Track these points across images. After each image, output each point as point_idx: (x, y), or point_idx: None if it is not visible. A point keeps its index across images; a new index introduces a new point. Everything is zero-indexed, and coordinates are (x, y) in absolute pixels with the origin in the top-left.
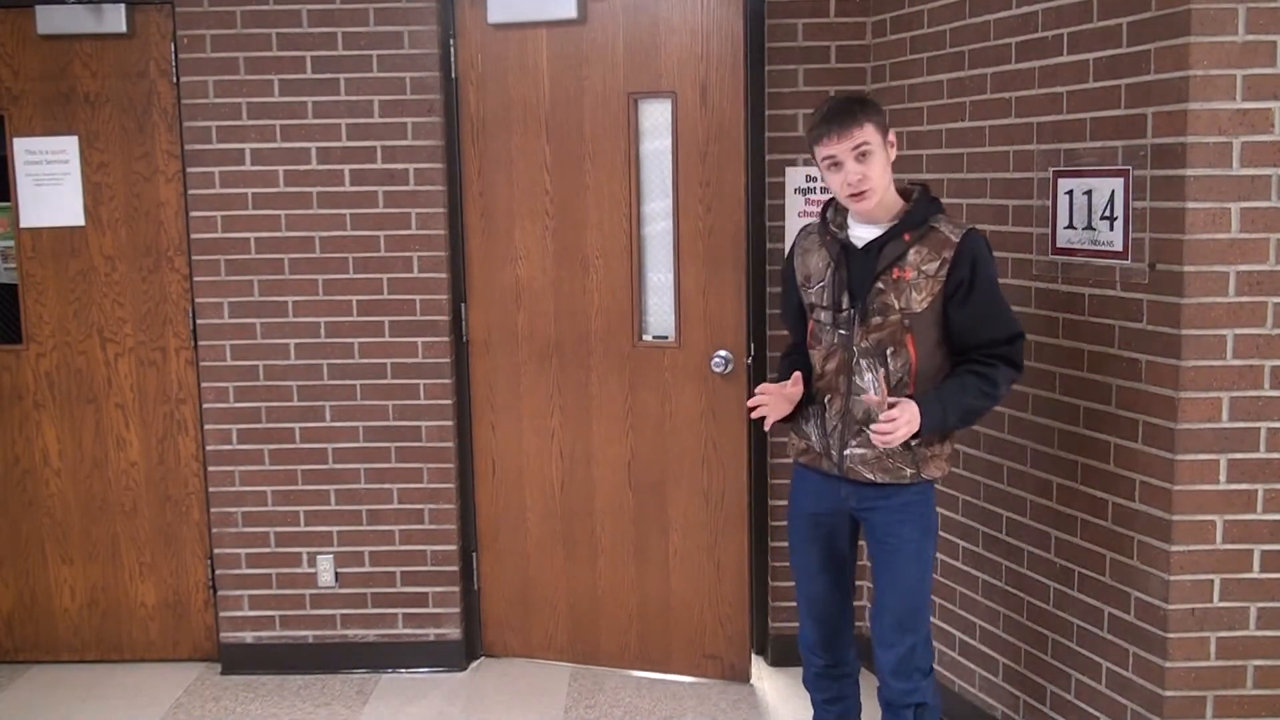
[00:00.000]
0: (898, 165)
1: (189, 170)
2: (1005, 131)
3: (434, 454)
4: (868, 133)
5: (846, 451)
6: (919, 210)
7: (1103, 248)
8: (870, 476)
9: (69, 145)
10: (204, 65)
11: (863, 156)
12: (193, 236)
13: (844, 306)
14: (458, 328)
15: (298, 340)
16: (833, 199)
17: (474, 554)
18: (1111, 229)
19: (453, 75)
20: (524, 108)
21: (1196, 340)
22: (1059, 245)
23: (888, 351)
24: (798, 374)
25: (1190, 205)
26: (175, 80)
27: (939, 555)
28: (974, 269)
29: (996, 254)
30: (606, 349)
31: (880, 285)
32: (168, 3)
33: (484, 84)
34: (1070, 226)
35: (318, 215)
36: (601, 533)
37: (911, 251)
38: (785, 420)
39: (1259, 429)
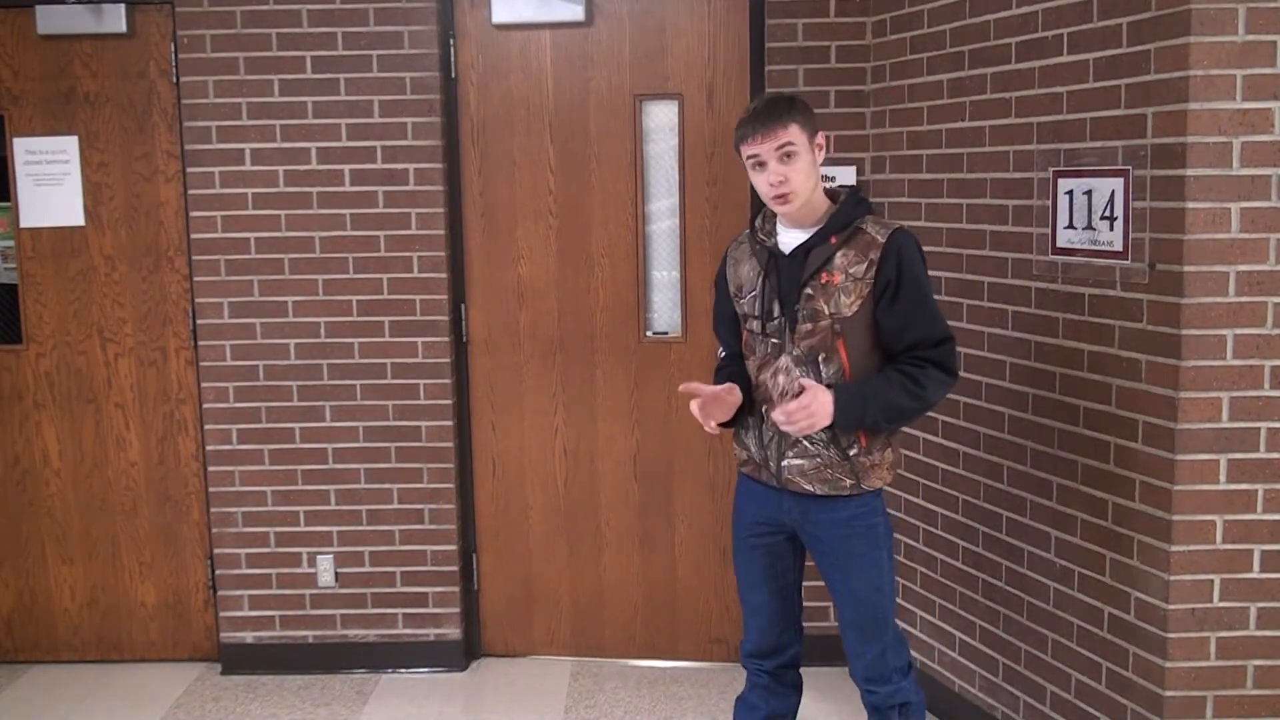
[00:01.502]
0: (900, 165)
1: (189, 170)
2: (1005, 131)
3: (434, 454)
4: (792, 133)
5: (784, 463)
6: (845, 212)
7: (1103, 248)
8: (809, 488)
9: (69, 145)
10: (204, 65)
11: (787, 157)
12: (193, 236)
13: (775, 315)
14: (458, 327)
15: (298, 340)
16: (764, 207)
17: (474, 554)
18: (1111, 229)
19: (453, 75)
20: (527, 108)
21: (1196, 340)
22: (1059, 245)
23: (820, 358)
24: (732, 385)
25: (1190, 205)
26: (175, 80)
27: (939, 556)
28: (900, 269)
29: (997, 254)
30: (611, 346)
31: (809, 291)
32: (168, 3)
33: (485, 84)
34: (1070, 226)
35: (318, 215)
36: (606, 527)
37: (839, 255)
38: (726, 426)
39: (1259, 429)
